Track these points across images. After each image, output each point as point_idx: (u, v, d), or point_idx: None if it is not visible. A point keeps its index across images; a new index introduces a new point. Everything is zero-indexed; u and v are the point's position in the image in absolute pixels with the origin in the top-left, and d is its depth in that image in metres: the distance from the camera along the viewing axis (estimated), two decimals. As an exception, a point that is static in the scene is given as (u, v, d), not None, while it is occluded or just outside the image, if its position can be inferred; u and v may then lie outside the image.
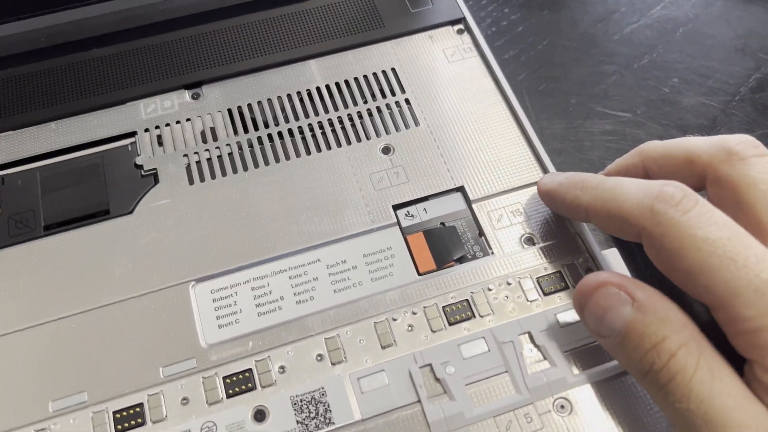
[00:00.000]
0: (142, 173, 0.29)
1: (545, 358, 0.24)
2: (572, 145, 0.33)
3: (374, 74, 0.32)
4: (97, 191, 0.28)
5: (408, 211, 0.28)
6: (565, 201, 0.24)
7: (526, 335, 0.25)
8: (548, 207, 0.27)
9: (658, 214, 0.20)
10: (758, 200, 0.21)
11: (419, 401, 0.24)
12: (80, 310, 0.25)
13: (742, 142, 0.22)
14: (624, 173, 0.25)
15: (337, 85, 0.32)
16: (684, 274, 0.20)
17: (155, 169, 0.29)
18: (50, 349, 0.25)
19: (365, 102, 0.31)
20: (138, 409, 0.23)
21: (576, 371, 0.24)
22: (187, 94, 0.31)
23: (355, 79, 0.32)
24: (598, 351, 0.24)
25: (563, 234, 0.27)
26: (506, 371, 0.24)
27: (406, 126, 0.30)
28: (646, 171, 0.25)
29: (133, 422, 0.23)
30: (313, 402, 0.24)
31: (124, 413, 0.23)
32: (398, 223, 0.28)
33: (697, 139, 0.23)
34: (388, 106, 0.31)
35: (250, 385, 0.24)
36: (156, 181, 0.29)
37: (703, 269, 0.19)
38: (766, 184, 0.21)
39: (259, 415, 0.23)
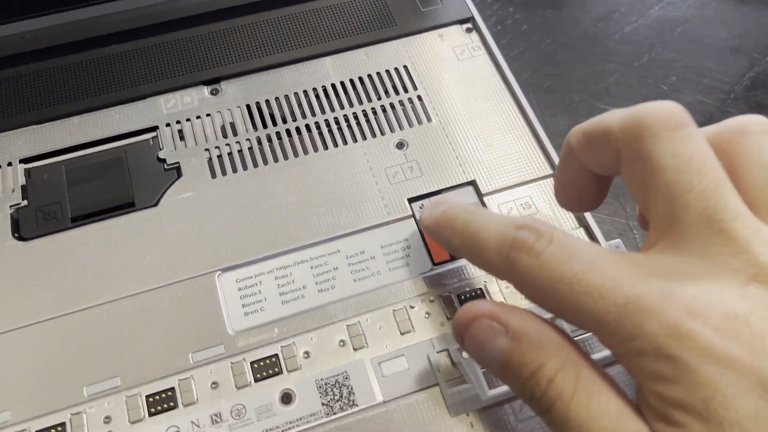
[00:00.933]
0: (166, 167, 0.30)
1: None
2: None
3: (387, 71, 0.33)
4: (121, 184, 0.29)
5: (422, 204, 0.29)
6: (441, 241, 0.23)
7: (537, 322, 0.26)
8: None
9: (513, 263, 0.19)
10: (664, 186, 0.19)
11: (437, 384, 0.25)
12: (110, 299, 0.26)
13: (657, 112, 0.19)
14: (566, 172, 0.23)
15: (351, 82, 0.33)
16: (554, 312, 0.19)
17: (178, 162, 0.30)
18: (83, 337, 0.26)
19: (379, 98, 0.32)
20: (170, 393, 0.25)
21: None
22: (206, 90, 0.32)
23: (369, 76, 0.33)
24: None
25: (570, 225, 0.29)
26: (519, 356, 0.26)
27: (419, 122, 0.32)
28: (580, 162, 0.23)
29: (165, 405, 0.24)
30: (337, 385, 0.25)
31: (157, 397, 0.25)
32: (413, 215, 0.29)
33: (615, 112, 0.20)
34: (401, 102, 0.32)
35: (276, 369, 0.25)
36: (179, 174, 0.30)
37: (567, 307, 0.18)
38: (674, 171, 0.18)
39: (286, 398, 0.25)
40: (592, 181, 0.22)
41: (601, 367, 0.19)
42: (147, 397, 0.24)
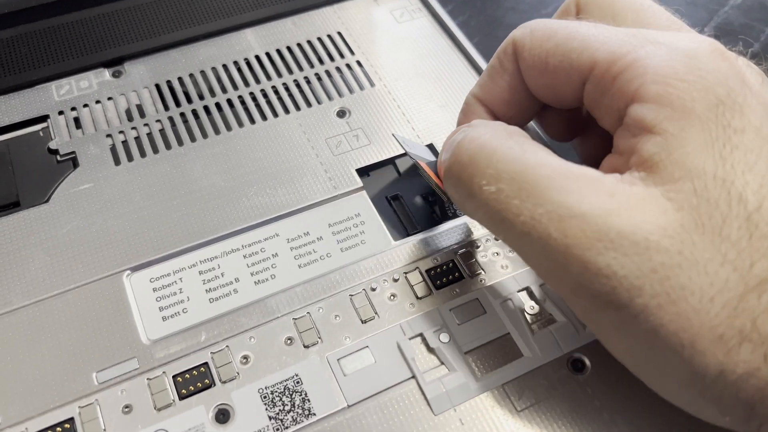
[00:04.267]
0: (58, 158, 0.25)
1: (550, 314, 0.21)
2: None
3: (319, 39, 0.29)
4: (2, 182, 0.24)
5: (369, 173, 0.25)
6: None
7: (525, 292, 0.22)
8: None
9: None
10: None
11: (414, 377, 0.20)
12: (-14, 317, 0.21)
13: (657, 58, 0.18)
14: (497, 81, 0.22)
15: (279, 52, 0.28)
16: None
17: (74, 152, 0.25)
18: (-51, 368, 0.20)
19: (312, 66, 0.28)
20: (68, 425, 0.19)
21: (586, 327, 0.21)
22: (107, 73, 0.27)
23: (299, 45, 0.29)
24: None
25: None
26: (508, 332, 0.21)
27: (361, 88, 0.27)
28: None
29: (62, 442, 0.18)
30: (286, 392, 0.19)
31: (50, 432, 0.19)
32: (364, 187, 0.24)
33: (600, 46, 0.19)
34: (338, 69, 0.28)
35: (207, 381, 0.20)
36: (75, 165, 0.24)
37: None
38: None
39: (222, 416, 0.19)
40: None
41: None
42: (36, 434, 0.19)
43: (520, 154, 0.17)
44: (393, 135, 0.25)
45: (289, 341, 0.21)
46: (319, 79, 0.28)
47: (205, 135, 0.25)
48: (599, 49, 0.18)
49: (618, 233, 0.16)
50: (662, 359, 0.16)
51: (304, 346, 0.20)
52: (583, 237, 0.16)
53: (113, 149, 0.25)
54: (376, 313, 0.21)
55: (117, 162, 0.24)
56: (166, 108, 0.26)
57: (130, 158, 0.25)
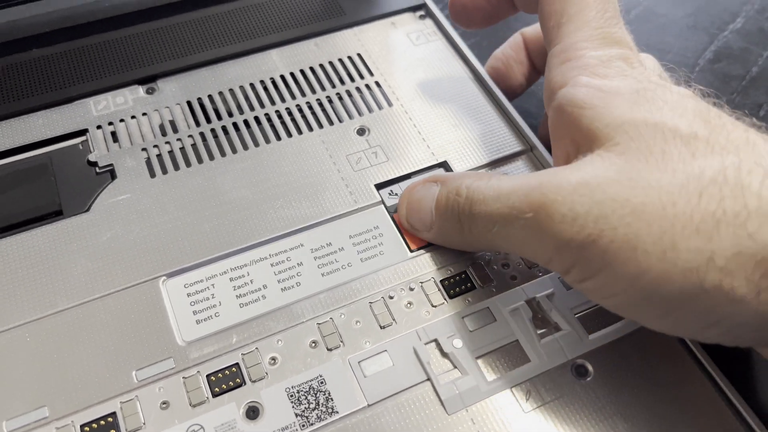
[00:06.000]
0: (97, 170, 0.26)
1: (555, 323, 0.23)
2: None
3: (340, 60, 0.31)
4: (46, 192, 0.25)
5: (391, 190, 0.26)
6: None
7: (532, 302, 0.23)
8: None
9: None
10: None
11: (429, 379, 0.21)
12: (33, 317, 0.22)
13: None
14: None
15: (302, 72, 0.30)
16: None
17: (111, 165, 0.26)
18: (2, 363, 0.21)
19: (333, 87, 0.30)
20: (110, 419, 0.20)
21: (589, 334, 0.23)
22: (141, 89, 0.29)
23: (321, 65, 0.30)
24: (607, 312, 0.23)
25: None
26: (516, 339, 0.22)
27: (379, 107, 0.29)
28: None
29: (106, 434, 0.20)
30: (311, 392, 0.21)
31: (94, 425, 0.20)
32: (383, 201, 0.26)
33: None
34: (358, 89, 0.30)
35: (238, 380, 0.21)
36: (113, 177, 0.26)
37: None
38: None
39: (252, 412, 0.21)
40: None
41: None
42: (82, 426, 0.20)
43: (494, 178, 0.22)
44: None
45: (313, 344, 0.22)
46: (341, 98, 0.29)
47: (234, 150, 0.27)
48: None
49: (573, 185, 0.19)
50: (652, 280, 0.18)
51: (328, 349, 0.22)
52: (545, 197, 0.19)
53: (148, 162, 0.27)
54: (393, 319, 0.23)
55: (152, 174, 0.26)
56: (197, 124, 0.28)
57: (164, 171, 0.26)
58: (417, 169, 0.27)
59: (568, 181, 0.19)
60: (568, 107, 0.21)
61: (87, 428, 0.20)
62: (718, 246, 0.17)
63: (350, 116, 0.29)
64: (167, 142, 0.27)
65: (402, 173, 0.27)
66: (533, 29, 0.30)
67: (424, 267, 0.24)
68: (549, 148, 0.26)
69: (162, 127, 0.28)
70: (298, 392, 0.21)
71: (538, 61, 0.30)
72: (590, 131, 0.20)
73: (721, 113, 0.19)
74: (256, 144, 0.27)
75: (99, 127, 0.28)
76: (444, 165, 0.27)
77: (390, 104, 0.29)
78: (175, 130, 0.28)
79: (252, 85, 0.29)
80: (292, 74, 0.30)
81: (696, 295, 0.17)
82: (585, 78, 0.21)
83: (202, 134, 0.28)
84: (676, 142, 0.18)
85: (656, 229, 0.17)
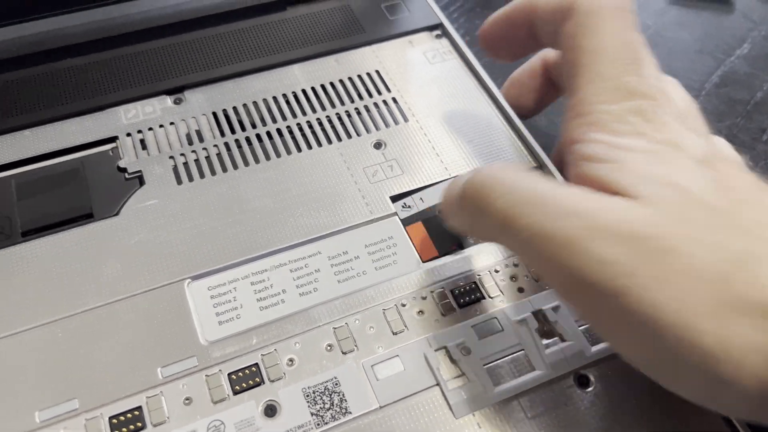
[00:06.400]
0: (127, 176, 0.28)
1: (560, 334, 0.24)
2: (555, 141, 0.33)
3: (359, 76, 0.32)
4: (78, 195, 0.27)
5: (405, 203, 0.28)
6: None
7: (538, 314, 0.25)
8: None
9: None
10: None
11: (438, 384, 0.23)
12: (65, 314, 0.23)
13: None
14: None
15: (323, 87, 0.31)
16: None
17: (140, 171, 0.28)
18: (34, 358, 0.23)
19: (352, 101, 0.31)
20: (137, 413, 0.22)
21: (593, 346, 0.24)
22: (169, 100, 0.30)
23: (340, 81, 0.32)
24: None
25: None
26: (522, 349, 0.24)
27: (396, 122, 0.30)
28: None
29: (132, 426, 0.21)
30: (326, 392, 0.22)
31: (121, 418, 0.21)
32: (397, 213, 0.27)
33: None
34: (375, 104, 0.31)
35: (257, 379, 0.22)
36: (141, 183, 0.27)
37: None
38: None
39: (270, 410, 0.22)
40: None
41: None
42: (110, 418, 0.21)
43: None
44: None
45: (329, 347, 0.23)
46: (359, 113, 0.31)
47: (257, 160, 0.28)
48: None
49: (607, 226, 0.18)
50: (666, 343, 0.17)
51: (342, 353, 0.23)
52: (578, 231, 0.18)
53: (175, 170, 0.28)
54: (405, 326, 0.24)
55: (179, 181, 0.27)
56: (222, 134, 0.29)
57: (190, 178, 0.28)
58: (431, 182, 0.28)
59: (607, 222, 0.19)
60: (582, 162, 0.21)
61: (115, 420, 0.21)
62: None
63: (368, 130, 0.30)
64: (193, 151, 0.29)
65: (416, 186, 0.28)
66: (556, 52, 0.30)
67: (436, 277, 0.25)
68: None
69: (188, 137, 0.29)
70: (313, 392, 0.22)
71: (560, 81, 0.30)
72: (610, 183, 0.20)
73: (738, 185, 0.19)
74: (278, 155, 0.29)
75: (129, 134, 0.29)
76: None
77: (406, 120, 0.30)
78: (200, 139, 0.29)
79: (275, 98, 0.31)
80: (313, 89, 0.31)
81: None
82: (594, 134, 0.21)
83: (226, 144, 0.29)
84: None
85: (679, 297, 0.17)
